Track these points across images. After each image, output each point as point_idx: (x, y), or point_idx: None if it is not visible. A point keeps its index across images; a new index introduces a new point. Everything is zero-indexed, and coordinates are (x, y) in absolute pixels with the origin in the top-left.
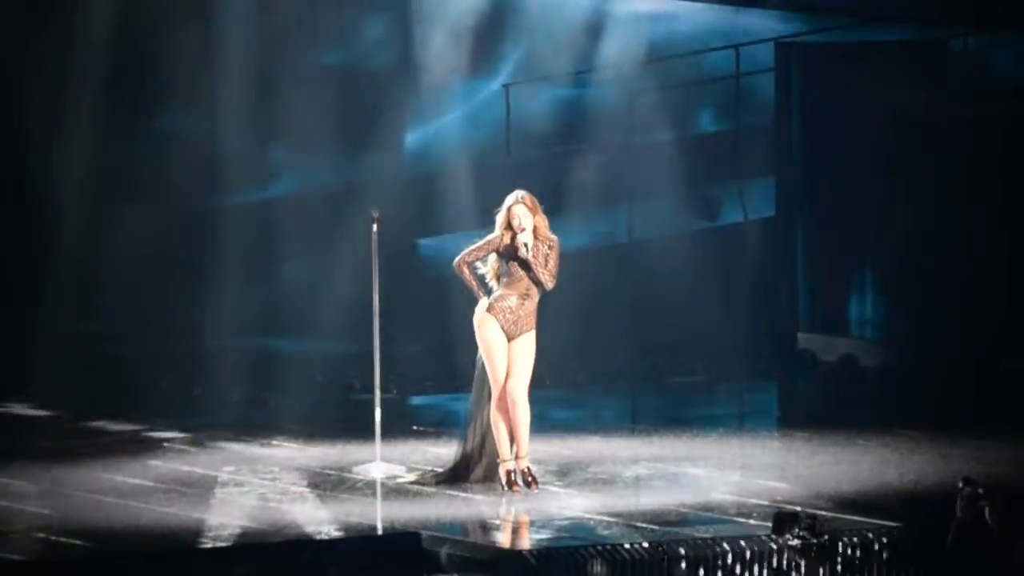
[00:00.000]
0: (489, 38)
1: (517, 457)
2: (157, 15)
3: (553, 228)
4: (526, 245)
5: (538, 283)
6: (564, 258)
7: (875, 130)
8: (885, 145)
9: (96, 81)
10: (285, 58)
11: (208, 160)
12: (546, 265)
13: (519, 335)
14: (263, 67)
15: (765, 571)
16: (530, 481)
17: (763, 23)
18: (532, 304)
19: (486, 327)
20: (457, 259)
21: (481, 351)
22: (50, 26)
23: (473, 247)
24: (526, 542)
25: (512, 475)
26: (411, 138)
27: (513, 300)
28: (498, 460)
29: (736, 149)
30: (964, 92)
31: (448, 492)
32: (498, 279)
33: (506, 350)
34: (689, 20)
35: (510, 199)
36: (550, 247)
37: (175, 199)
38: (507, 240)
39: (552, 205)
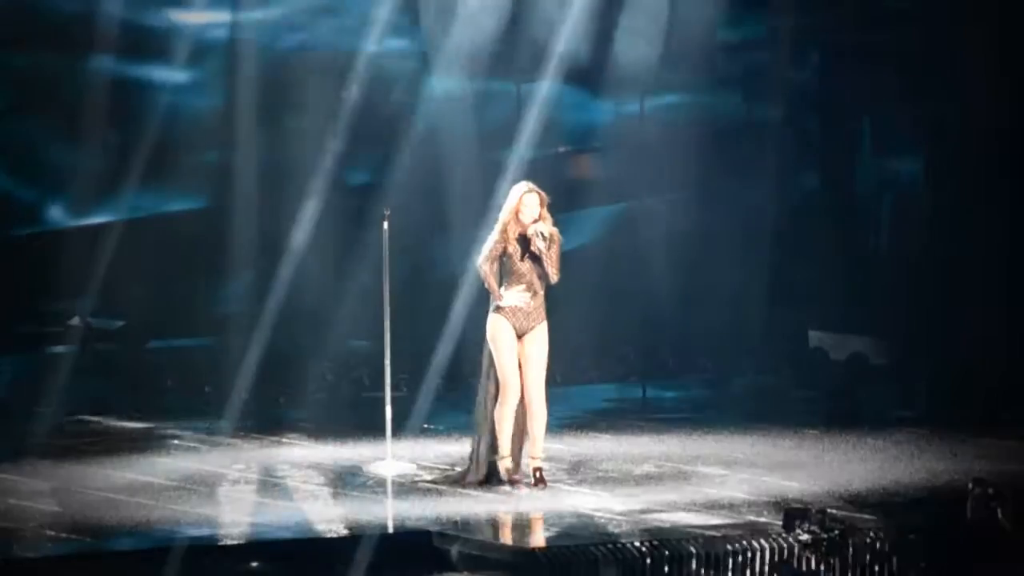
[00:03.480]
0: None
1: (531, 456)
2: None
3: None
4: (541, 234)
5: (543, 276)
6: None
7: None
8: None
9: None
10: None
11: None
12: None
13: (531, 329)
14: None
15: (776, 567)
16: (537, 480)
17: None
18: (539, 297)
19: (496, 329)
20: (481, 263)
21: (492, 352)
22: None
23: (488, 247)
24: (536, 540)
25: (511, 472)
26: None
27: (520, 297)
28: (497, 457)
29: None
30: None
31: (458, 490)
32: (499, 278)
33: (516, 350)
34: None
35: (520, 188)
36: (552, 240)
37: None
38: (512, 233)
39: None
